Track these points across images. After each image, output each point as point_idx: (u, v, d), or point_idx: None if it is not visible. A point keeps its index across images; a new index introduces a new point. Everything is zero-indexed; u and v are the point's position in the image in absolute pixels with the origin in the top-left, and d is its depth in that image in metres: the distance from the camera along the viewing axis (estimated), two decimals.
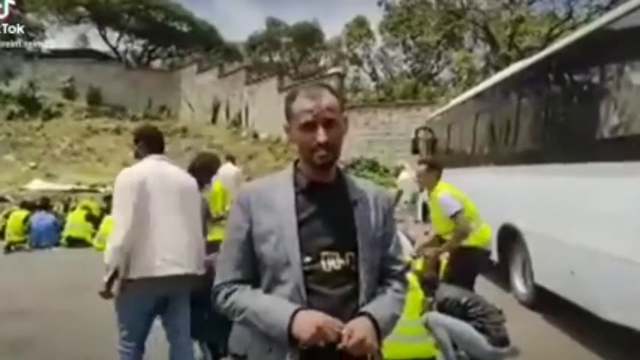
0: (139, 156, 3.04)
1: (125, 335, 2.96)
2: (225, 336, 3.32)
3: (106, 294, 2.74)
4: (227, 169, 7.89)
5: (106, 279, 2.70)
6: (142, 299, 2.84)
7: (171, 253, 2.81)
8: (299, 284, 1.36)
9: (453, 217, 4.19)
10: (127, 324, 2.93)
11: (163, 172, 2.94)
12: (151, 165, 2.93)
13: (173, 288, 2.91)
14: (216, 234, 4.62)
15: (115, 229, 2.74)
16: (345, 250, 1.41)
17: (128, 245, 2.69)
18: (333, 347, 1.28)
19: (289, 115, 1.46)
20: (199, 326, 3.68)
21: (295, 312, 1.30)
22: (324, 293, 1.37)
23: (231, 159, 9.34)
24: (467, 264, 4.32)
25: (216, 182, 5.19)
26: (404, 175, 10.36)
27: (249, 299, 1.40)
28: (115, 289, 2.71)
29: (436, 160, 5.08)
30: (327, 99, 1.42)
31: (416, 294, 3.61)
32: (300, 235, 1.38)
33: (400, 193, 9.92)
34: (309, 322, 1.27)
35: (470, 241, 4.28)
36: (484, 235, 4.42)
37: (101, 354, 4.24)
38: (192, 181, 3.14)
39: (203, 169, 3.94)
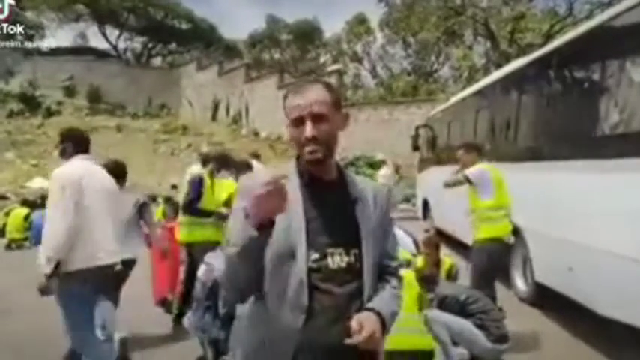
0: (64, 155, 3.24)
1: (82, 335, 3.10)
2: (227, 333, 3.33)
3: (47, 289, 2.94)
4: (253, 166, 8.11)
5: (48, 271, 2.85)
6: (84, 289, 3.00)
7: (110, 244, 3.15)
8: (302, 279, 1.35)
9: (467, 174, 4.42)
10: (80, 322, 3.07)
11: (94, 171, 3.20)
12: (81, 164, 3.13)
13: (107, 275, 3.18)
14: (204, 234, 4.62)
15: (52, 225, 2.88)
16: (350, 247, 1.41)
17: (71, 240, 2.86)
18: (342, 342, 1.28)
19: (285, 113, 1.46)
20: (203, 324, 3.70)
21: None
22: (330, 290, 1.37)
23: (256, 156, 9.26)
24: (488, 255, 4.35)
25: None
26: (384, 170, 10.38)
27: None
28: (53, 284, 2.91)
29: (472, 142, 5.45)
30: (316, 93, 1.40)
31: (412, 289, 3.63)
32: (307, 230, 1.37)
33: None
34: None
35: (492, 233, 4.31)
36: (505, 228, 4.43)
37: None
38: (113, 181, 3.45)
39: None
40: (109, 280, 3.23)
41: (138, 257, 4.21)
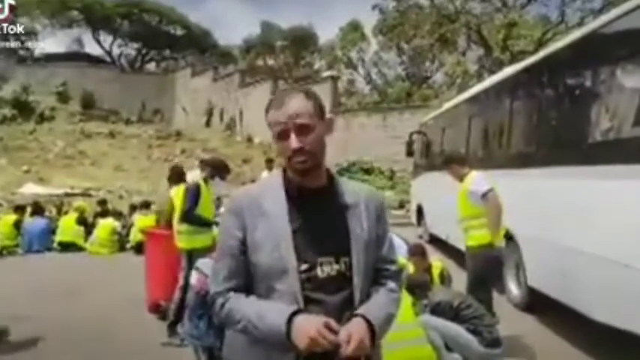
0: None
1: None
2: (222, 341, 3.32)
3: None
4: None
5: None
6: None
7: None
8: (296, 292, 1.35)
9: (485, 196, 4.20)
10: None
11: None
12: None
13: None
14: (204, 240, 4.61)
15: None
16: (340, 255, 1.40)
17: None
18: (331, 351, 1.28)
19: (269, 124, 1.46)
20: (198, 332, 3.68)
21: (291, 316, 1.29)
22: (320, 300, 1.37)
23: (270, 162, 9.09)
24: (489, 261, 4.32)
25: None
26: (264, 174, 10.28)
27: (244, 307, 1.38)
28: None
29: (455, 153, 5.39)
30: (296, 105, 1.40)
31: (406, 299, 3.63)
32: (295, 243, 1.37)
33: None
34: (303, 332, 1.26)
35: (487, 239, 4.27)
36: (501, 233, 4.41)
37: (94, 357, 4.23)
38: None
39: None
40: None
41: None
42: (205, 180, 4.80)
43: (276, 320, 1.30)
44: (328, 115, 1.48)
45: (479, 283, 4.32)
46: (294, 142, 1.37)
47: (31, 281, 7.30)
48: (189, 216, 4.55)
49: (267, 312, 1.33)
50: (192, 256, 4.50)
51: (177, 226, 4.70)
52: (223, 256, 1.45)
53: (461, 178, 4.56)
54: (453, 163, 4.67)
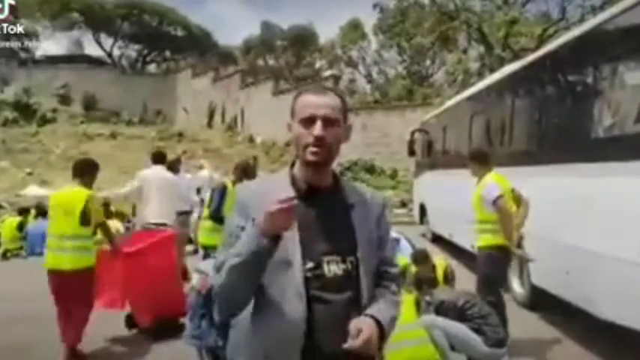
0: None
1: None
2: (225, 341, 3.31)
3: None
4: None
5: None
6: None
7: None
8: (299, 288, 1.34)
9: (495, 203, 4.15)
10: None
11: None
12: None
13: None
14: (210, 239, 4.65)
15: None
16: (346, 254, 1.41)
17: None
18: (342, 349, 1.29)
19: (293, 111, 1.45)
20: (200, 332, 3.68)
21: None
22: (327, 299, 1.37)
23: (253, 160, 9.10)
24: (496, 262, 4.27)
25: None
26: (204, 172, 10.03)
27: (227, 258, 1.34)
28: None
29: (477, 150, 5.10)
30: (332, 98, 1.42)
31: (409, 298, 3.62)
32: (300, 239, 1.37)
33: (198, 190, 9.07)
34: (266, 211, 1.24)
35: (498, 240, 4.21)
36: (514, 239, 4.35)
37: (99, 358, 4.23)
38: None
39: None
40: None
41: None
42: (233, 182, 5.10)
43: (249, 234, 1.28)
44: (348, 123, 1.49)
45: (487, 285, 4.28)
46: (318, 128, 1.37)
47: (36, 283, 7.29)
48: (216, 215, 4.90)
49: (239, 243, 1.32)
50: (207, 252, 4.83)
51: (203, 221, 5.26)
52: (229, 246, 1.39)
53: (480, 176, 4.45)
54: (477, 159, 4.57)
